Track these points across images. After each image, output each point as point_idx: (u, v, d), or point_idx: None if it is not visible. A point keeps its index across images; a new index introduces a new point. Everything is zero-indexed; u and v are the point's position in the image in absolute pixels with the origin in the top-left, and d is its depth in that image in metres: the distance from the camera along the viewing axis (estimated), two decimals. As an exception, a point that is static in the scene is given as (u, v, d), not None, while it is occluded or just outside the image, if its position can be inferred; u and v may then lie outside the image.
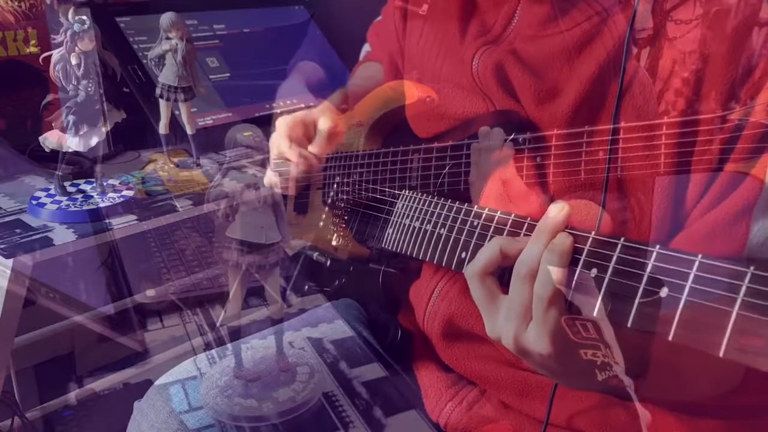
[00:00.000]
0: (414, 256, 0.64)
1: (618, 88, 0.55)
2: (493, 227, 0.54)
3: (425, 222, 0.62)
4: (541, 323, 0.48)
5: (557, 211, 0.49)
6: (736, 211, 0.50)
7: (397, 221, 0.68)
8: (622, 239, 0.45)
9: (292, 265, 0.85)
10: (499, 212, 0.55)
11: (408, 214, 0.66)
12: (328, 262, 0.80)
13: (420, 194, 0.66)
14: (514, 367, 0.67)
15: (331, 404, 0.77)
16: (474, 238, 0.56)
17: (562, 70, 0.59)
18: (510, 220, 0.53)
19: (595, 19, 0.58)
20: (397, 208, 0.68)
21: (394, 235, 0.68)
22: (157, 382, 0.81)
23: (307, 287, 0.85)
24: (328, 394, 0.78)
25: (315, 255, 0.81)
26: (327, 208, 0.82)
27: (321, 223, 0.83)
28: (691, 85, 0.51)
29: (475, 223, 0.56)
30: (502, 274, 0.51)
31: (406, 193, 0.68)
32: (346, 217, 0.80)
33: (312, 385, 0.79)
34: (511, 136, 0.62)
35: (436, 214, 0.61)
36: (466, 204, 0.58)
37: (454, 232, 0.58)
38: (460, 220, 0.58)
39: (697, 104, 0.51)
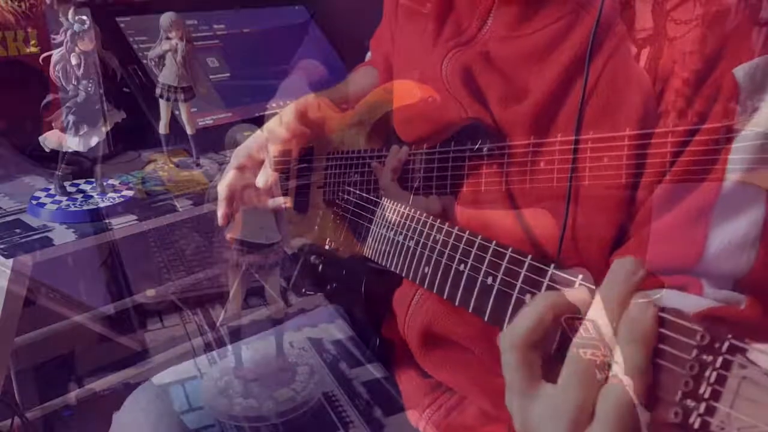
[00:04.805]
0: (386, 265, 0.63)
1: (591, 89, 0.55)
2: (450, 243, 0.52)
3: (396, 232, 0.62)
4: (609, 429, 0.36)
5: (632, 271, 0.37)
6: (692, 216, 0.49)
7: (374, 229, 0.67)
8: (552, 266, 0.42)
9: (292, 266, 0.85)
10: (465, 232, 0.51)
11: (383, 223, 0.66)
12: (321, 266, 0.80)
13: (398, 201, 0.65)
14: (492, 374, 0.66)
15: (331, 404, 0.77)
16: (435, 254, 0.54)
17: (531, 72, 0.59)
18: (477, 243, 0.49)
19: (567, 20, 0.58)
20: (377, 216, 0.68)
21: (372, 243, 0.67)
22: (155, 382, 0.81)
23: (304, 290, 0.85)
24: (328, 394, 0.78)
25: (312, 258, 0.81)
26: (326, 208, 0.82)
27: (320, 223, 0.83)
28: (691, 85, 0.51)
29: (437, 238, 0.54)
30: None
31: (387, 201, 0.68)
32: (342, 219, 0.80)
33: (312, 385, 0.79)
34: (477, 145, 0.62)
35: (404, 225, 0.60)
36: (431, 217, 0.57)
37: (419, 246, 0.57)
38: (425, 233, 0.57)
39: (697, 104, 0.51)
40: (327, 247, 0.79)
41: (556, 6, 0.59)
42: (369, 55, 1.01)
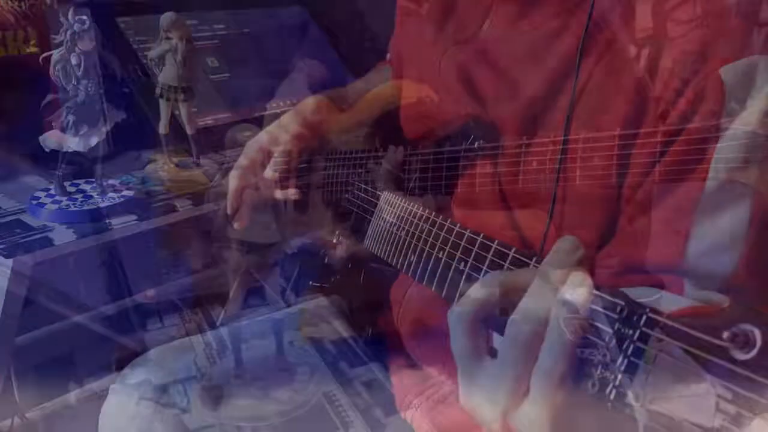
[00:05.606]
0: (381, 256, 0.64)
1: (582, 88, 0.54)
2: (434, 232, 0.53)
3: (391, 224, 0.62)
4: (541, 403, 0.36)
5: (571, 249, 0.39)
6: (675, 214, 0.49)
7: (374, 222, 0.68)
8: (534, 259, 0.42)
9: (293, 264, 0.85)
10: (447, 221, 0.52)
11: (380, 217, 0.66)
12: (326, 260, 0.80)
13: (393, 195, 0.66)
14: None
15: (331, 404, 0.77)
16: (420, 243, 0.55)
17: (526, 70, 0.59)
18: (455, 231, 0.50)
19: (562, 19, 0.58)
20: (377, 209, 0.68)
21: (371, 236, 0.68)
22: (155, 382, 0.81)
23: (310, 282, 0.85)
24: (328, 394, 0.78)
25: (321, 252, 0.82)
26: (326, 207, 0.82)
27: (320, 222, 0.83)
28: (691, 86, 0.51)
29: (423, 227, 0.55)
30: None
31: (385, 194, 0.68)
32: (342, 216, 0.80)
33: (312, 385, 0.79)
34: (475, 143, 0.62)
35: (398, 217, 0.61)
36: (419, 207, 0.57)
37: (408, 236, 0.57)
38: (413, 223, 0.57)
39: (697, 105, 0.51)
40: (334, 241, 0.80)
41: (554, 4, 0.59)
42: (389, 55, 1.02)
